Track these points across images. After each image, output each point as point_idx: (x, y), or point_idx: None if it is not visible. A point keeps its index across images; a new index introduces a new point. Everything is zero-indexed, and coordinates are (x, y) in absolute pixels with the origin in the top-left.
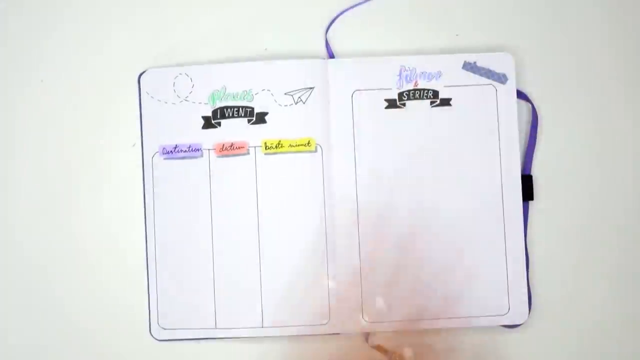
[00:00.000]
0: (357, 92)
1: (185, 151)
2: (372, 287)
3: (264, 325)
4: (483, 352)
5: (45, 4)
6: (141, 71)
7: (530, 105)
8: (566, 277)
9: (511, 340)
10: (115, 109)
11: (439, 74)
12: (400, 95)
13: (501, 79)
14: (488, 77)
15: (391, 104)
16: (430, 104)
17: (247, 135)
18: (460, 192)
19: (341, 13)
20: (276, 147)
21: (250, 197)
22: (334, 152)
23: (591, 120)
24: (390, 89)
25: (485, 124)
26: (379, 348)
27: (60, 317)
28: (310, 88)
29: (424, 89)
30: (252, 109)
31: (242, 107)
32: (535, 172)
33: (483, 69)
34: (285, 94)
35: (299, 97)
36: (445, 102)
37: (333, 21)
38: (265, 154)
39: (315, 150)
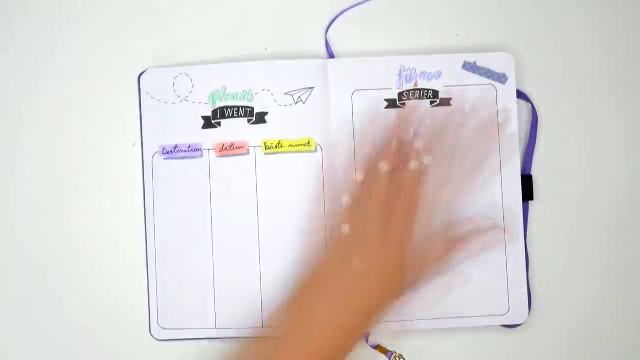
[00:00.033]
0: (357, 92)
1: (185, 151)
2: None
3: (264, 325)
4: (483, 352)
5: (45, 4)
6: (141, 71)
7: (530, 105)
8: (566, 277)
9: (511, 340)
10: (115, 109)
11: (439, 74)
12: (400, 95)
13: (501, 79)
14: (488, 77)
15: (391, 104)
16: (430, 104)
17: (247, 135)
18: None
19: (341, 13)
20: (276, 147)
21: (250, 197)
22: (334, 152)
23: (591, 120)
24: (390, 89)
25: (485, 123)
26: (379, 348)
27: (60, 317)
28: (310, 88)
29: (424, 89)
30: (252, 109)
31: (242, 107)
32: (535, 172)
33: (483, 69)
34: (285, 94)
35: (299, 97)
36: (445, 102)
37: (333, 21)
38: (265, 154)
39: (315, 150)
